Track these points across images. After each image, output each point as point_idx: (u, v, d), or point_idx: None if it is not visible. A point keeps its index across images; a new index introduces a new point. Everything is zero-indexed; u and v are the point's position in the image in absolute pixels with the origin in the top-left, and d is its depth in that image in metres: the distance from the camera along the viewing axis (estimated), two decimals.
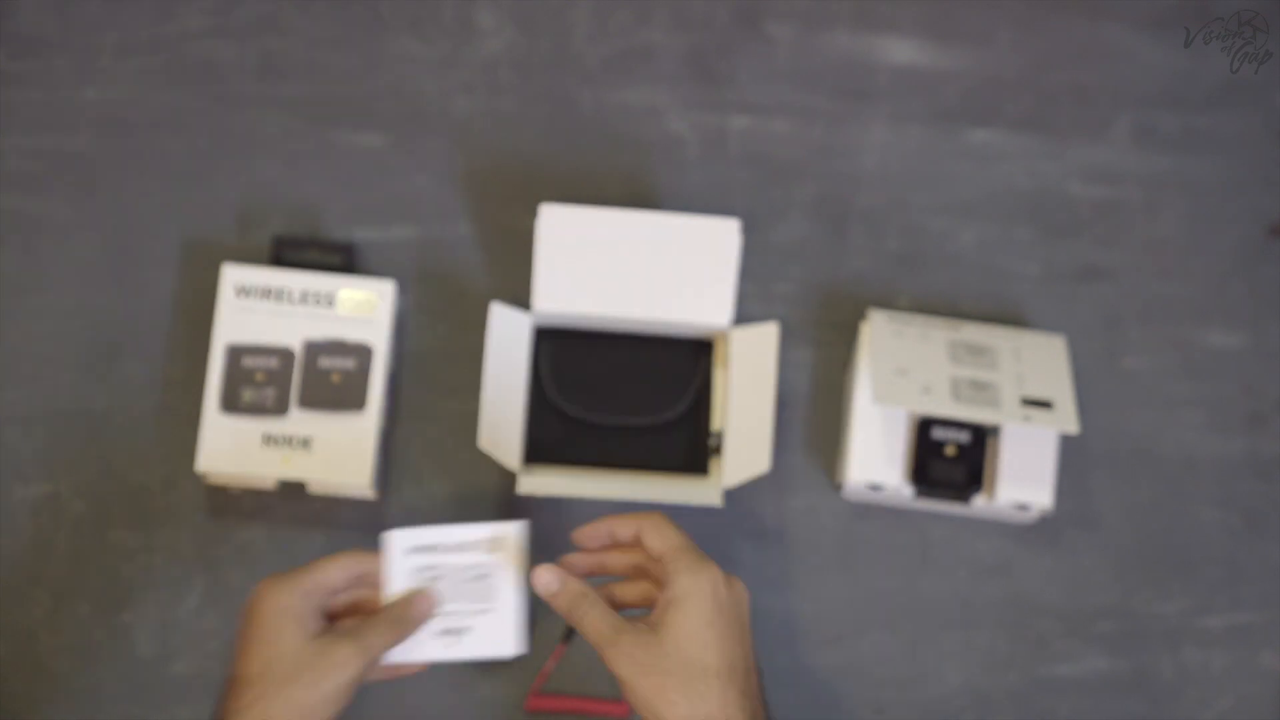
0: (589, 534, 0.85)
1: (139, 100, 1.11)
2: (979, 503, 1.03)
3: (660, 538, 0.79)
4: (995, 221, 1.11)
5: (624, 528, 0.82)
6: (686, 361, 1.06)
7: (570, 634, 1.03)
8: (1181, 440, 1.08)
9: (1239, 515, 1.07)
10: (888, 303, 1.09)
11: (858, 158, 1.12)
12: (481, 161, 1.11)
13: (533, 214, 1.03)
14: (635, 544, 0.83)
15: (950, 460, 1.02)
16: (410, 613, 0.80)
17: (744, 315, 1.05)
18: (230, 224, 1.09)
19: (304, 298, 1.03)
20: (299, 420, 1.01)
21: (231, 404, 1.01)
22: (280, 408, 1.01)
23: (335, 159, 1.10)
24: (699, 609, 0.74)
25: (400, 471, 1.05)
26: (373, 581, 0.83)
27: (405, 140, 1.11)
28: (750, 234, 1.08)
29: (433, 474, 1.05)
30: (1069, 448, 1.05)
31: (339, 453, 1.01)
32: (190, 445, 1.02)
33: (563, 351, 1.05)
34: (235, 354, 1.02)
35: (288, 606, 0.76)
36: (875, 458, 1.02)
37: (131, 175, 1.10)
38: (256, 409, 1.01)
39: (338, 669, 0.74)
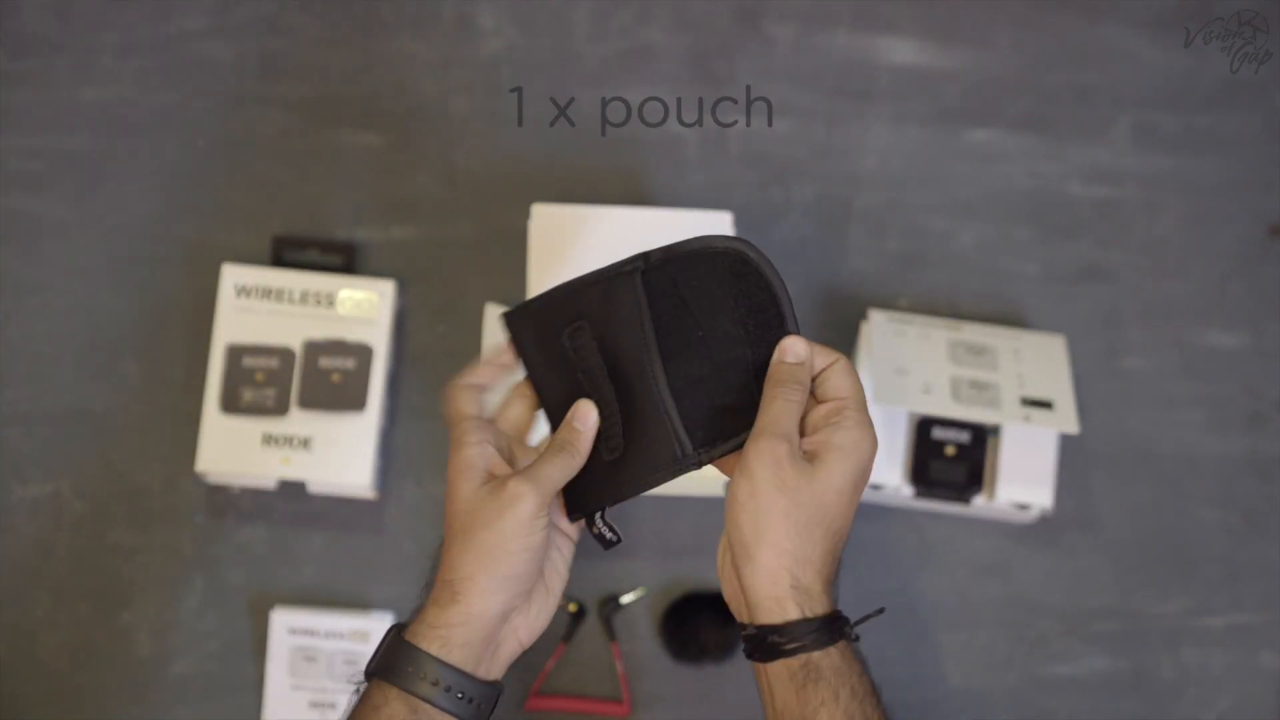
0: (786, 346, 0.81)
1: (139, 100, 1.11)
2: (979, 503, 1.03)
3: (847, 382, 0.77)
4: (995, 221, 1.11)
5: (818, 357, 0.79)
6: None
7: (570, 633, 1.03)
8: (1181, 440, 1.08)
9: (1239, 515, 1.07)
10: (888, 303, 1.09)
11: (858, 158, 1.12)
12: (482, 161, 1.11)
13: None
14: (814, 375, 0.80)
15: (950, 460, 1.02)
16: (568, 435, 0.76)
17: None
18: (230, 224, 1.09)
19: (304, 298, 1.03)
20: (299, 420, 1.01)
21: (231, 404, 1.01)
22: (280, 408, 1.01)
23: (335, 159, 1.10)
24: (855, 467, 0.74)
25: (400, 471, 1.05)
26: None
27: (405, 140, 1.11)
28: (750, 234, 1.07)
29: (433, 474, 1.05)
30: (1069, 448, 1.05)
31: (339, 453, 1.01)
32: (190, 445, 1.02)
33: None
34: (235, 354, 1.02)
35: (465, 458, 0.74)
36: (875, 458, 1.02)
37: (131, 175, 1.10)
38: (256, 409, 1.01)
39: (512, 502, 0.72)
